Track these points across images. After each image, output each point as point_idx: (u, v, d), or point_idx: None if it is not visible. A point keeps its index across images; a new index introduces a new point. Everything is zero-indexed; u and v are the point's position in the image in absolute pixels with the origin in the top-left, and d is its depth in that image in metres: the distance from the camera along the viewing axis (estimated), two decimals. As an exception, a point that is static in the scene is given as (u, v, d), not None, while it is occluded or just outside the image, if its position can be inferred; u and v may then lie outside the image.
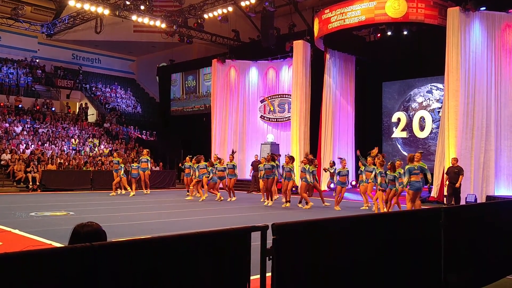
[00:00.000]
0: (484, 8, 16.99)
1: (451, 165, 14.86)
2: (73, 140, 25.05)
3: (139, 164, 18.80)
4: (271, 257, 3.16)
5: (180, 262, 2.87)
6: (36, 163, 21.25)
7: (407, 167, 11.51)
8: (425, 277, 4.70)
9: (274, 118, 24.99)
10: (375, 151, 14.47)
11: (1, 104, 26.70)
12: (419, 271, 4.61)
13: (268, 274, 3.17)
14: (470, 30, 16.57)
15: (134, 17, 23.69)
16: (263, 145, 23.49)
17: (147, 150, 19.93)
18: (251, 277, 3.19)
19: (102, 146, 25.80)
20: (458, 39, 16.35)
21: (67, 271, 2.32)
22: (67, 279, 2.32)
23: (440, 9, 17.31)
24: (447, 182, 14.78)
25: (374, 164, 13.91)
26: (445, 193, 15.13)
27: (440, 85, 20.74)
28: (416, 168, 11.39)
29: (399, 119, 23.01)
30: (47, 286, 2.27)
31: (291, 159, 15.41)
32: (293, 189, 15.94)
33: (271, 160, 15.58)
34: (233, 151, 18.13)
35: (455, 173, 14.32)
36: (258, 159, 21.24)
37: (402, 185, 11.92)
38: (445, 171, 15.45)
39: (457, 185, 14.17)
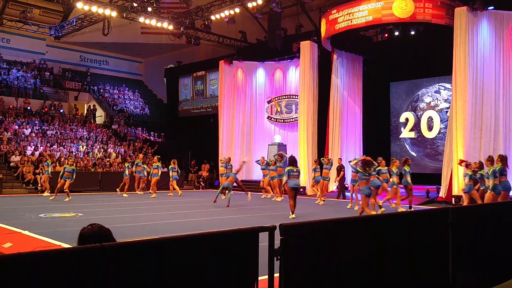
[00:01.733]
0: (492, 7, 16.89)
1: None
2: (80, 146, 25.04)
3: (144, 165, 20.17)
4: (279, 257, 3.18)
5: (188, 262, 2.89)
6: (44, 165, 21.35)
7: (499, 167, 11.06)
8: (432, 277, 4.70)
9: (281, 119, 24.98)
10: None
11: (10, 106, 26.94)
12: (427, 271, 4.61)
13: (276, 275, 3.19)
14: (477, 30, 16.47)
15: (141, 19, 23.75)
16: (271, 146, 23.48)
17: (142, 154, 20.95)
18: (259, 278, 3.20)
19: (110, 150, 25.87)
20: (466, 39, 16.26)
21: (78, 271, 2.35)
22: (78, 279, 2.35)
23: (448, 9, 17.22)
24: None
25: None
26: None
27: (448, 85, 20.65)
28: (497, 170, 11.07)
29: (407, 119, 22.94)
30: (58, 286, 2.30)
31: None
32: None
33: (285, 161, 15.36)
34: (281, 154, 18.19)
35: None
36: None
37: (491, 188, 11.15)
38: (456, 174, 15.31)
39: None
